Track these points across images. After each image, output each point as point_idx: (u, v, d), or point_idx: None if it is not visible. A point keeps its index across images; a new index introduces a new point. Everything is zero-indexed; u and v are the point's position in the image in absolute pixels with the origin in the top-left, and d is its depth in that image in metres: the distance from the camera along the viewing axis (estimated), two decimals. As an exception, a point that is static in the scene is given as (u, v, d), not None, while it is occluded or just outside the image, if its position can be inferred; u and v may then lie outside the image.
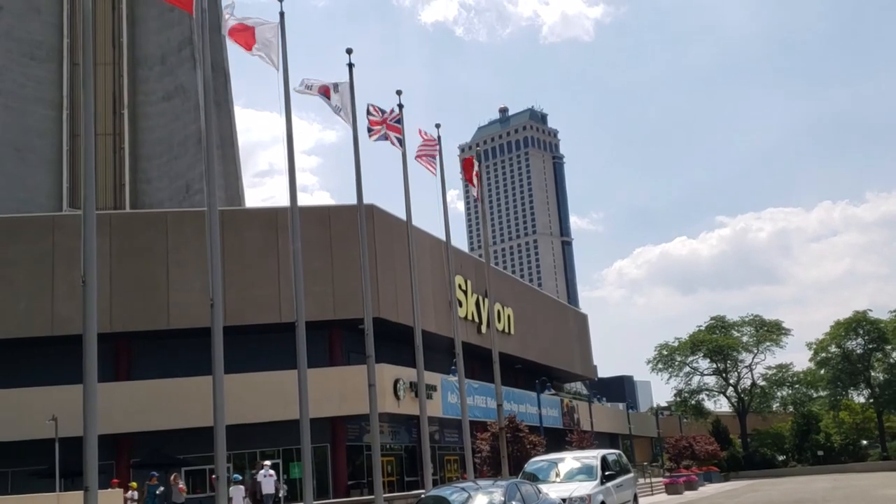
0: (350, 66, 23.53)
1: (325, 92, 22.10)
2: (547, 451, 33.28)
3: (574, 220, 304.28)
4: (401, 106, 26.11)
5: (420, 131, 27.74)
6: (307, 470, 19.85)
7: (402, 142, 26.04)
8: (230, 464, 29.59)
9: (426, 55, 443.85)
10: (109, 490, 25.32)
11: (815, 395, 74.77)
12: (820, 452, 69.24)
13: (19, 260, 33.79)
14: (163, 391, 32.89)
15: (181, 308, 33.57)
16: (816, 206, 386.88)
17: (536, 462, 23.87)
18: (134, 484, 28.46)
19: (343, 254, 35.21)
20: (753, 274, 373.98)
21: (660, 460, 69.48)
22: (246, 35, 18.70)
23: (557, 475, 21.73)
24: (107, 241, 32.49)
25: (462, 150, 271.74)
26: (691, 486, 48.18)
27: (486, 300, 40.93)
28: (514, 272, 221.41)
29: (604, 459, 22.37)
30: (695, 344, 74.05)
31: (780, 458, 74.22)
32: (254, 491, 29.29)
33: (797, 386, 74.76)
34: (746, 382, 74.72)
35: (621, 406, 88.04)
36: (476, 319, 45.89)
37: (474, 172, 32.71)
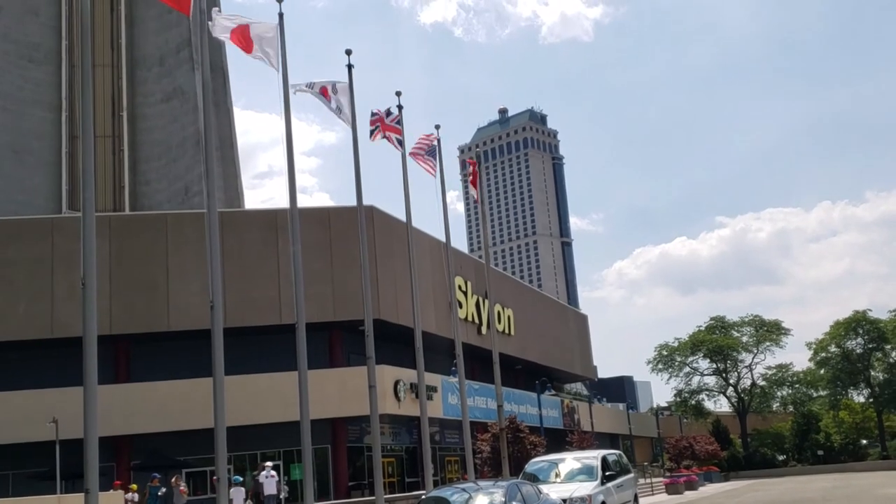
0: (349, 67, 23.51)
1: (324, 93, 22.09)
2: (547, 452, 33.26)
3: (574, 221, 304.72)
4: (400, 107, 26.12)
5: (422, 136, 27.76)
6: (308, 471, 19.86)
7: (402, 143, 26.04)
8: (231, 465, 29.60)
9: (425, 56, 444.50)
10: (110, 492, 25.31)
11: (814, 394, 74.75)
12: (820, 452, 69.23)
13: (19, 262, 33.77)
14: (163, 393, 32.87)
15: (181, 310, 33.57)
16: (816, 206, 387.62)
17: (537, 462, 23.85)
18: (134, 486, 28.46)
19: (343, 255, 35.21)
20: (753, 274, 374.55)
21: (660, 460, 69.48)
22: (245, 37, 18.68)
23: (558, 476, 21.72)
24: (106, 243, 32.49)
25: (462, 151, 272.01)
26: (691, 486, 48.19)
27: (487, 301, 40.93)
28: (514, 273, 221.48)
29: (604, 460, 22.36)
30: (695, 344, 74.05)
31: (781, 457, 74.18)
32: (256, 492, 29.30)
33: (797, 386, 74.74)
34: (746, 382, 74.75)
35: (621, 406, 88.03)
36: (476, 320, 45.90)
37: (474, 174, 32.69)
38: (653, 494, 45.05)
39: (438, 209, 30.19)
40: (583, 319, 74.15)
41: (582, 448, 41.44)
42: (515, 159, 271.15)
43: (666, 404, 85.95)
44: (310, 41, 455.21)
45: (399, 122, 25.84)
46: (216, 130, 51.88)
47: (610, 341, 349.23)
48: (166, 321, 34.25)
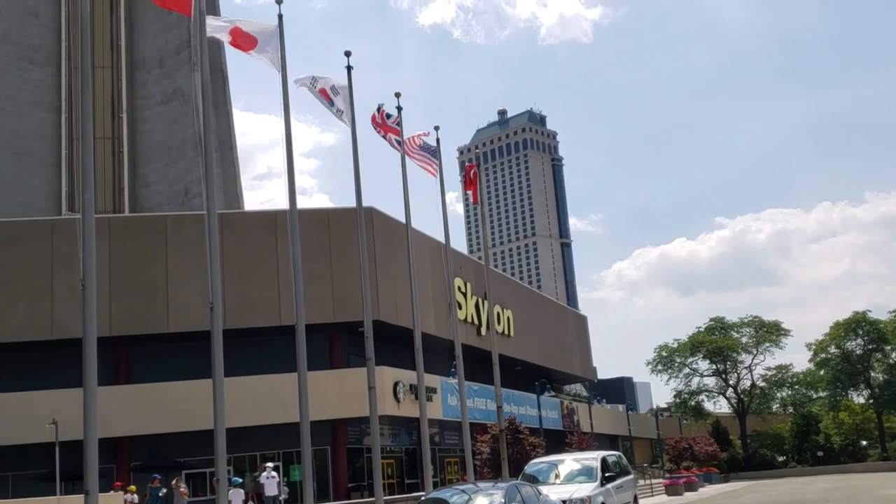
0: (349, 68, 23.50)
1: (323, 94, 22.09)
2: (547, 453, 33.28)
3: (573, 222, 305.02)
4: (399, 108, 26.13)
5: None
6: (307, 473, 19.84)
7: (401, 144, 26.05)
8: (230, 467, 29.60)
9: (424, 57, 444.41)
10: (110, 493, 25.31)
11: (814, 395, 74.76)
12: (820, 453, 69.25)
13: (19, 263, 33.80)
14: (163, 394, 32.88)
15: (181, 311, 33.58)
16: (816, 206, 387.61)
17: (536, 464, 23.84)
18: (133, 487, 28.44)
19: (342, 256, 35.24)
20: (753, 275, 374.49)
21: (660, 461, 69.52)
22: (243, 35, 18.70)
23: (557, 477, 21.71)
24: (106, 244, 32.49)
25: (461, 152, 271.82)
26: (691, 487, 48.23)
27: (486, 302, 40.95)
28: (513, 274, 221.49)
29: (604, 461, 22.35)
30: (694, 345, 74.07)
31: (780, 458, 74.19)
32: (257, 493, 29.29)
33: (797, 387, 74.75)
34: (746, 383, 74.78)
35: (621, 407, 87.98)
36: (476, 321, 45.92)
37: (473, 177, 32.63)
38: (652, 496, 45.06)
39: (438, 210, 30.26)
40: (582, 320, 74.16)
41: (581, 449, 41.42)
42: (515, 160, 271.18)
43: (665, 405, 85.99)
44: (309, 42, 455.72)
45: (399, 123, 25.85)
46: (215, 132, 51.97)
47: (609, 342, 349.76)
48: (166, 322, 34.27)
